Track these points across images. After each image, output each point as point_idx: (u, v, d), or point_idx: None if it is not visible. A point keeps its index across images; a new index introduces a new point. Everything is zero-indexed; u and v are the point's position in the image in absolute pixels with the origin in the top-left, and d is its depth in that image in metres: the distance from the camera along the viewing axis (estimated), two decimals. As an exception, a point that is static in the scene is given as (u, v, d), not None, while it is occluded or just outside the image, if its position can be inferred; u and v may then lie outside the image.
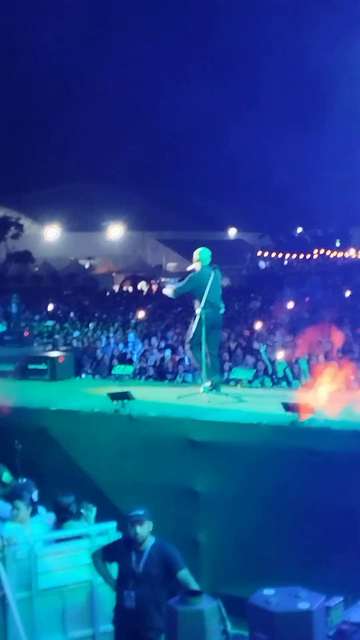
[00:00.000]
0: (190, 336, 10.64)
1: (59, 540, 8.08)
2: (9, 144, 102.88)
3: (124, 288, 58.82)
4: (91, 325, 30.61)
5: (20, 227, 72.70)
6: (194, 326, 10.56)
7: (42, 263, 72.84)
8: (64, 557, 7.89)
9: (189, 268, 11.06)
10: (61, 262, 72.61)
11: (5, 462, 9.65)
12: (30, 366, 13.02)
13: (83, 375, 15.60)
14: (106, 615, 7.44)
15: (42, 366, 12.91)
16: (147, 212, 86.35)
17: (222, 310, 10.78)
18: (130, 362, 18.33)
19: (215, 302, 10.63)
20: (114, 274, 68.25)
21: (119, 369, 13.41)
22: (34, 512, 8.39)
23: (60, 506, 8.41)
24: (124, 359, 18.91)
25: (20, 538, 7.89)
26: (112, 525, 8.02)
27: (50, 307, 40.26)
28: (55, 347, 16.65)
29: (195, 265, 10.86)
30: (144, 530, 6.89)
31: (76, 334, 27.13)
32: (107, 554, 7.13)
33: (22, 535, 7.98)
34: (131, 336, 24.33)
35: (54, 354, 13.78)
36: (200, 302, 10.40)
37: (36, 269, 72.46)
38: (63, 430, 10.22)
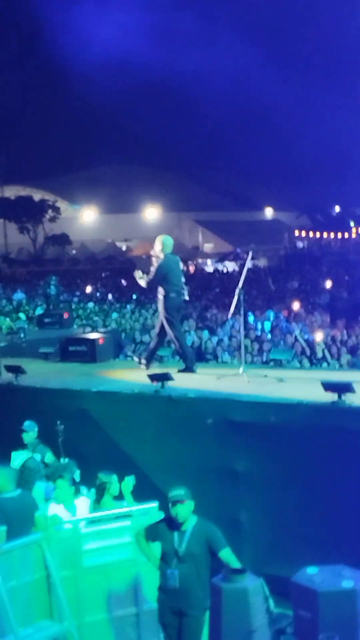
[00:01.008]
0: (165, 322, 11.16)
1: (101, 520, 8.17)
2: (46, 127, 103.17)
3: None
4: (129, 307, 30.71)
5: (57, 210, 72.98)
6: (163, 311, 11.17)
7: (79, 246, 73.16)
8: (107, 536, 7.96)
9: (153, 255, 11.49)
10: (98, 244, 72.87)
11: (48, 443, 9.77)
12: (71, 348, 13.13)
13: (122, 357, 15.65)
14: (150, 594, 7.51)
15: (82, 348, 13.01)
16: (184, 193, 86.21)
17: (184, 296, 11.34)
18: (168, 343, 18.36)
19: (179, 287, 11.20)
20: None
21: (160, 351, 13.44)
22: (76, 492, 8.49)
23: (100, 485, 8.51)
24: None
25: (63, 517, 8.00)
26: (154, 505, 8.07)
27: (89, 289, 40.48)
28: (94, 329, 16.75)
29: (159, 254, 11.27)
30: (186, 510, 6.92)
31: (114, 315, 27.26)
32: (149, 533, 7.18)
33: (64, 514, 8.09)
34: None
35: (93, 335, 13.88)
36: (166, 287, 11.03)
37: (73, 251, 72.80)
38: (104, 411, 10.30)
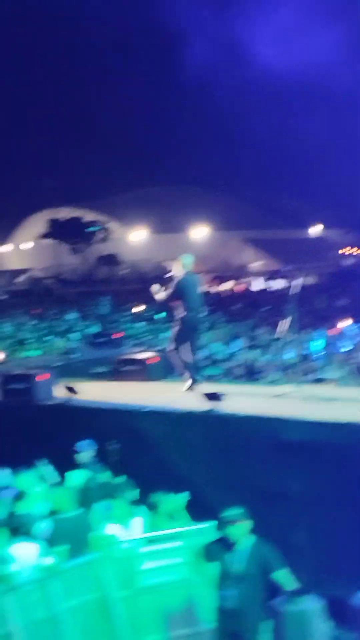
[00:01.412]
0: (174, 338, 11.48)
1: (157, 540, 8.21)
2: (95, 150, 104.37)
3: (210, 288, 58.88)
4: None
5: (107, 230, 73.69)
6: (176, 329, 11.43)
7: (129, 265, 73.69)
8: (163, 556, 8.00)
9: (170, 275, 11.74)
10: (147, 263, 73.30)
11: (105, 462, 9.86)
12: (123, 367, 13.25)
13: (174, 376, 15.70)
14: (207, 615, 7.52)
15: (135, 367, 13.13)
16: (232, 212, 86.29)
17: (201, 314, 11.61)
18: (218, 362, 18.40)
19: (196, 306, 11.43)
20: (199, 275, 68.42)
21: (209, 370, 13.50)
22: (132, 512, 8.55)
23: (155, 505, 8.57)
24: (213, 360, 18.99)
25: (120, 537, 8.07)
26: (210, 525, 8.09)
27: (139, 308, 40.70)
28: (146, 349, 16.86)
29: (177, 272, 11.49)
30: (242, 530, 6.94)
31: (165, 334, 27.34)
32: (206, 554, 7.20)
33: (121, 534, 8.15)
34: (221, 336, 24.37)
35: (145, 355, 13.99)
36: (184, 306, 11.27)
37: (124, 271, 73.33)
38: (156, 430, 10.36)
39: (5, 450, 10.93)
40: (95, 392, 12.30)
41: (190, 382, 11.56)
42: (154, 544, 8.15)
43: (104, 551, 7.73)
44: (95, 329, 26.00)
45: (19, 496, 8.40)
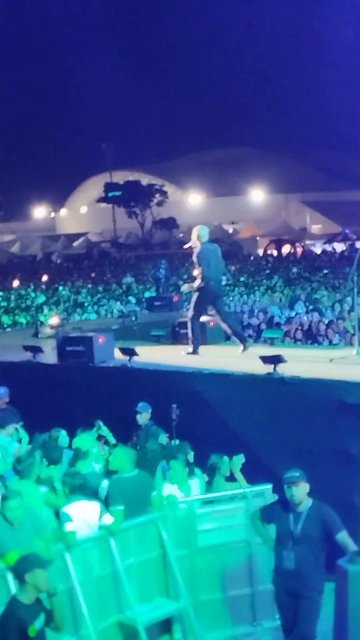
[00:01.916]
0: (194, 306, 11.83)
1: (215, 501, 8.22)
2: (151, 113, 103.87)
3: (269, 252, 58.44)
4: (237, 289, 30.66)
5: (164, 194, 73.46)
6: (197, 297, 11.75)
7: (186, 229, 73.47)
8: (222, 517, 8.02)
9: (187, 246, 12.06)
10: (205, 227, 72.95)
11: (161, 424, 9.89)
12: (182, 330, 13.21)
13: (233, 339, 15.63)
14: (265, 575, 7.52)
15: (193, 330, 13.05)
16: (290, 174, 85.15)
17: (223, 282, 11.72)
18: (278, 325, 18.26)
19: (217, 275, 11.79)
20: (258, 238, 67.90)
21: (269, 332, 13.40)
22: (190, 473, 8.56)
23: (212, 467, 8.56)
24: (272, 323, 18.86)
25: (178, 498, 8.09)
26: (268, 486, 8.07)
27: (196, 272, 40.58)
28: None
29: (196, 243, 11.77)
30: (301, 492, 6.89)
31: (224, 298, 27.24)
32: (265, 515, 7.18)
33: (179, 495, 8.18)
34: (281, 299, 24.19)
35: (204, 318, 13.92)
36: (206, 275, 11.53)
37: (181, 235, 73.18)
38: (216, 393, 10.33)
39: (65, 411, 11.05)
40: (153, 354, 12.32)
41: (241, 346, 11.90)
42: (212, 505, 8.16)
43: (162, 511, 7.76)
44: (152, 292, 26.03)
45: (79, 456, 8.46)
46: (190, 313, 12.01)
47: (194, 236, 11.90)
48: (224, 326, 12.19)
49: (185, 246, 12.11)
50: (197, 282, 11.76)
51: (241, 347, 11.91)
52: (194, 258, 11.80)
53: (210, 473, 8.64)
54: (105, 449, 9.29)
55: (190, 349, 11.95)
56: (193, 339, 11.97)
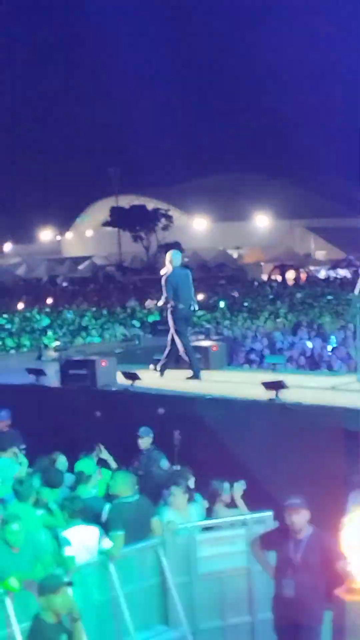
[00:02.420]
0: (175, 334, 12.07)
1: (215, 527, 8.18)
2: (157, 138, 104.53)
3: (273, 277, 58.55)
4: (241, 314, 30.68)
5: (169, 218, 73.77)
6: (172, 325, 12.04)
7: (191, 253, 73.67)
8: (222, 543, 7.98)
9: (162, 272, 12.30)
10: (210, 252, 73.14)
11: (163, 448, 9.86)
12: (184, 355, 13.19)
13: (235, 364, 15.65)
14: (265, 603, 7.46)
15: (198, 355, 13.07)
16: (295, 200, 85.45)
17: (192, 307, 12.27)
18: (280, 351, 18.25)
19: (187, 299, 12.03)
20: (262, 263, 68.05)
21: (271, 358, 13.40)
22: (190, 499, 8.53)
23: (213, 493, 8.53)
24: (275, 348, 18.86)
25: (178, 524, 8.05)
26: (269, 513, 8.03)
27: (200, 296, 40.66)
28: (207, 337, 16.80)
29: (168, 268, 12.05)
30: (301, 519, 6.86)
31: (226, 323, 27.28)
32: (264, 542, 7.15)
33: (179, 521, 8.14)
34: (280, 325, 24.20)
35: (206, 343, 13.95)
36: (175, 299, 11.84)
37: (186, 259, 73.33)
38: (217, 418, 10.32)
39: (67, 434, 11.03)
40: (156, 379, 12.32)
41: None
42: (212, 532, 8.13)
43: (162, 537, 7.73)
44: (156, 316, 26.06)
45: (81, 480, 8.45)
46: (178, 342, 12.13)
47: (166, 260, 12.23)
48: (169, 350, 12.35)
49: (162, 272, 12.40)
50: (161, 302, 12.17)
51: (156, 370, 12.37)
52: (162, 281, 12.07)
53: (211, 499, 8.61)
54: (103, 473, 9.25)
55: (190, 374, 12.10)
56: (190, 363, 12.14)
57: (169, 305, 11.96)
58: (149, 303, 12.47)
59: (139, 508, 7.81)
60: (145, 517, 7.79)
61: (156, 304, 12.13)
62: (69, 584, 6.11)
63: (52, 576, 6.24)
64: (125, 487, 7.90)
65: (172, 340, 12.18)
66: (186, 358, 12.17)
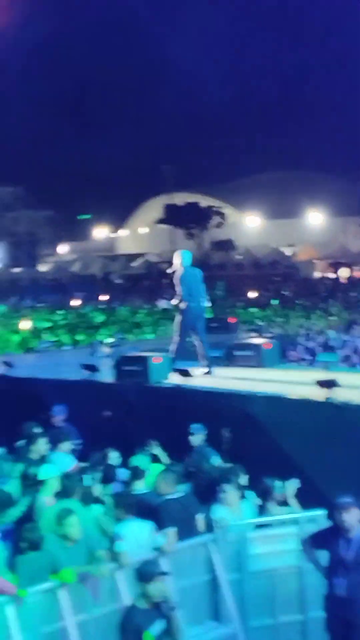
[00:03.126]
0: (178, 329, 12.56)
1: (267, 525, 8.19)
2: (212, 136, 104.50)
3: (326, 275, 58.11)
4: (293, 312, 30.56)
5: (222, 215, 73.70)
6: (180, 320, 12.50)
7: (244, 251, 73.51)
8: (274, 541, 7.98)
9: (170, 270, 12.78)
10: (263, 249, 72.90)
11: (215, 446, 9.90)
12: (237, 352, 13.25)
13: (288, 362, 15.61)
14: (316, 602, 7.45)
15: (249, 353, 13.10)
16: (349, 198, 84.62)
17: (203, 303, 12.59)
18: (333, 349, 18.15)
19: (197, 297, 12.44)
20: (315, 261, 67.57)
21: (323, 356, 13.34)
22: (242, 497, 8.55)
23: (266, 490, 8.53)
24: (328, 347, 18.76)
25: (230, 521, 8.08)
26: (321, 512, 8.01)
27: (253, 294, 40.59)
28: (260, 334, 16.80)
29: (178, 268, 12.48)
30: (352, 518, 6.83)
31: (279, 321, 27.21)
32: (316, 540, 7.13)
33: (231, 518, 8.16)
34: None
35: (259, 340, 13.95)
36: (187, 298, 12.29)
37: (238, 257, 73.21)
38: (270, 416, 10.31)
39: (120, 430, 11.14)
40: (208, 376, 12.36)
41: (206, 369, 12.56)
42: (264, 530, 8.14)
43: (214, 534, 7.77)
44: (208, 313, 26.11)
45: (136, 475, 8.53)
46: (175, 335, 12.65)
47: (176, 260, 12.61)
48: (197, 345, 12.74)
49: (169, 270, 12.91)
50: (175, 301, 12.52)
51: (205, 369, 12.57)
52: (175, 281, 12.48)
53: (264, 497, 8.61)
54: (156, 469, 9.31)
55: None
56: (174, 358, 12.52)
57: (181, 304, 12.37)
58: (164, 303, 12.76)
59: (184, 504, 7.86)
60: (190, 514, 7.84)
61: (169, 303, 12.25)
62: (165, 573, 6.23)
63: (148, 563, 6.45)
64: (166, 485, 7.93)
65: (198, 336, 12.62)
66: (174, 350, 12.62)
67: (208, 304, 12.84)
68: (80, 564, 6.99)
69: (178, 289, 12.39)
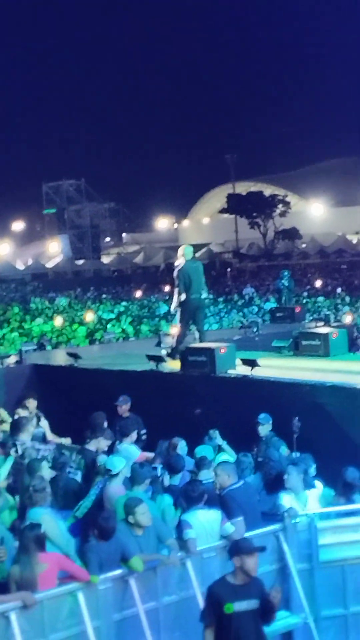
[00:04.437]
0: (179, 317, 13.27)
1: (337, 515, 8.10)
2: (275, 123, 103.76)
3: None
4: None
5: (287, 204, 73.09)
6: (181, 311, 13.18)
7: (309, 239, 72.84)
8: (344, 532, 7.89)
9: (175, 264, 13.39)
10: (328, 237, 72.11)
11: (282, 436, 9.83)
12: (304, 342, 13.13)
13: (356, 351, 15.38)
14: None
15: (316, 342, 12.97)
16: None
17: (203, 295, 13.26)
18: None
19: (197, 289, 13.03)
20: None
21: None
22: (310, 486, 8.47)
23: (345, 481, 8.40)
24: None
25: (299, 510, 8.01)
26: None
27: (319, 283, 40.20)
28: (327, 323, 16.60)
29: (180, 261, 13.17)
30: None
31: (346, 309, 26.85)
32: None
33: (298, 506, 8.08)
34: None
35: (326, 330, 13.78)
36: (187, 290, 12.90)
37: (303, 245, 72.60)
38: (338, 406, 10.20)
39: (186, 419, 11.16)
40: (275, 366, 12.29)
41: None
42: (334, 520, 8.05)
43: (283, 523, 7.73)
44: (273, 303, 25.94)
45: (202, 465, 8.53)
46: (180, 327, 13.37)
47: (179, 254, 13.35)
48: (197, 335, 13.55)
49: (175, 264, 13.52)
50: (177, 297, 13.14)
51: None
52: (175, 273, 13.15)
53: (346, 489, 8.42)
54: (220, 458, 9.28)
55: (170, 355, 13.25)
56: (175, 347, 13.30)
57: (181, 296, 12.97)
58: (174, 306, 13.41)
59: (247, 493, 7.84)
60: (252, 503, 7.81)
61: (175, 302, 13.32)
62: (263, 548, 6.22)
63: (245, 540, 6.46)
64: (226, 476, 7.89)
65: (197, 326, 13.49)
66: (174, 342, 13.40)
67: (208, 295, 13.67)
68: (149, 552, 7.03)
69: (177, 282, 13.03)
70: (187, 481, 8.23)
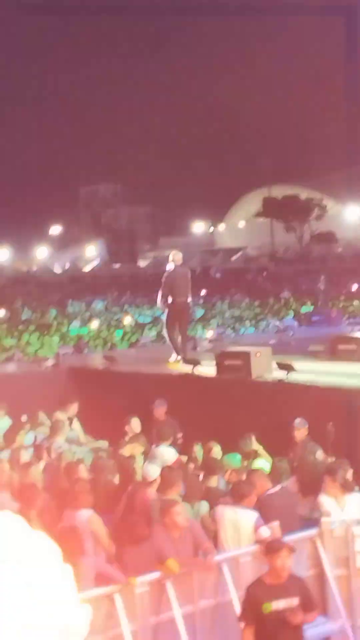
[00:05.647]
0: (165, 322, 13.96)
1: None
2: (309, 127, 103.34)
3: None
4: None
5: (323, 208, 72.73)
6: (166, 314, 13.79)
7: (345, 243, 72.39)
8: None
9: (167, 268, 13.89)
10: (365, 241, 71.55)
11: (319, 441, 9.78)
12: (340, 346, 13.05)
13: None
14: None
15: (352, 346, 12.89)
16: None
17: (187, 300, 13.78)
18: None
19: (181, 293, 13.62)
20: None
21: None
22: (347, 490, 8.40)
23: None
24: None
25: (333, 515, 7.95)
26: None
27: (355, 287, 39.88)
28: (363, 327, 16.50)
29: (170, 266, 13.77)
30: None
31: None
32: None
33: (336, 511, 8.02)
34: None
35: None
36: (172, 295, 13.50)
37: (340, 249, 72.18)
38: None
39: (222, 424, 11.15)
40: (311, 370, 12.22)
41: (178, 357, 13.72)
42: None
43: (319, 529, 7.68)
44: (310, 307, 25.84)
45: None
46: (164, 329, 14.08)
47: (169, 259, 13.92)
48: (179, 339, 13.98)
49: (167, 269, 13.95)
50: (160, 300, 13.74)
51: (178, 357, 13.71)
52: (163, 278, 13.72)
53: None
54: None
55: (177, 357, 13.71)
56: (175, 348, 13.73)
57: (166, 300, 13.52)
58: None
59: (282, 498, 7.81)
60: (290, 507, 7.78)
61: (160, 302, 13.97)
62: (290, 547, 6.23)
63: (275, 540, 6.57)
64: (263, 482, 7.87)
65: (180, 328, 13.97)
66: (176, 347, 13.82)
67: (190, 300, 13.98)
68: (185, 554, 7.03)
69: (164, 290, 13.57)
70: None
